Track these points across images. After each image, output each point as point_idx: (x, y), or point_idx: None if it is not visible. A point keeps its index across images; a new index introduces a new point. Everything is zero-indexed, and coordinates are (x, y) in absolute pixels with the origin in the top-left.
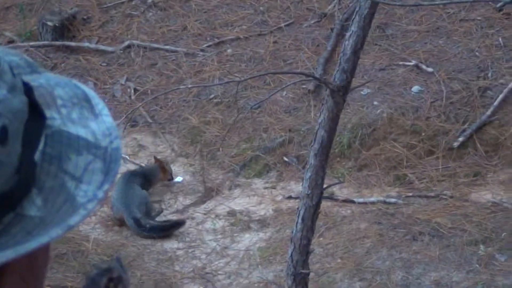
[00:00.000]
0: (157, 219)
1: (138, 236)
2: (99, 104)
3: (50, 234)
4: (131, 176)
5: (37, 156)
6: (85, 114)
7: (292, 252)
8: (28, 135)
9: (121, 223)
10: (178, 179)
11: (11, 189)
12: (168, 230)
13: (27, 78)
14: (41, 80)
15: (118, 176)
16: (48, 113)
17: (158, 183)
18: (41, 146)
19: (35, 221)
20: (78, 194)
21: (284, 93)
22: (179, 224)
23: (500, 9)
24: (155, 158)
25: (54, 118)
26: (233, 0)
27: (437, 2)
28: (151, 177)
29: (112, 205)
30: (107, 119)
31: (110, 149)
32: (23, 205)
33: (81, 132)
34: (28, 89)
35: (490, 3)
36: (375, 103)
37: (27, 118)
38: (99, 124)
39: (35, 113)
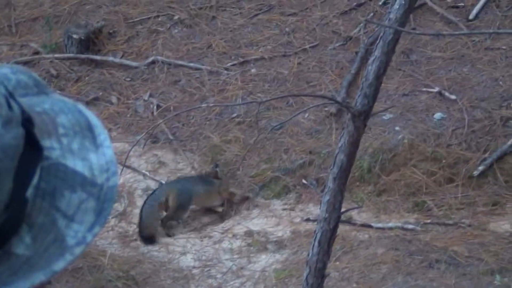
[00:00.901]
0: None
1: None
2: (102, 135)
3: (33, 280)
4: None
5: (30, 191)
6: (86, 144)
7: (307, 275)
8: (21, 170)
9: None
10: None
11: (0, 226)
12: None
13: (33, 101)
14: (45, 105)
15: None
16: (48, 142)
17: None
18: (35, 180)
19: (22, 260)
20: (69, 234)
21: (306, 115)
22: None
23: None
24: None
25: (54, 148)
26: (259, 20)
27: (456, 33)
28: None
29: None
30: (108, 151)
31: (106, 187)
32: (11, 243)
33: (79, 166)
34: (27, 119)
35: None
36: (397, 128)
37: (22, 151)
38: (99, 156)
39: (32, 145)
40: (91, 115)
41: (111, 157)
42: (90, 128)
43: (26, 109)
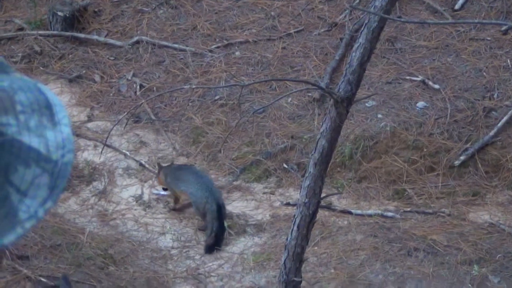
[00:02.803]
0: None
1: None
2: (60, 113)
3: None
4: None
5: None
6: (44, 122)
7: (285, 259)
8: None
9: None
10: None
11: None
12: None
13: None
14: (4, 82)
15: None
16: (4, 119)
17: None
18: None
19: None
20: (21, 209)
21: (289, 99)
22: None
23: (504, 33)
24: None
25: (10, 124)
26: (245, 3)
27: (441, 22)
28: None
29: (193, 194)
30: (65, 129)
31: (61, 163)
32: None
33: (34, 142)
34: None
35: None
36: (379, 116)
37: None
38: (56, 133)
39: None
40: (51, 94)
41: (68, 135)
42: (48, 106)
43: None
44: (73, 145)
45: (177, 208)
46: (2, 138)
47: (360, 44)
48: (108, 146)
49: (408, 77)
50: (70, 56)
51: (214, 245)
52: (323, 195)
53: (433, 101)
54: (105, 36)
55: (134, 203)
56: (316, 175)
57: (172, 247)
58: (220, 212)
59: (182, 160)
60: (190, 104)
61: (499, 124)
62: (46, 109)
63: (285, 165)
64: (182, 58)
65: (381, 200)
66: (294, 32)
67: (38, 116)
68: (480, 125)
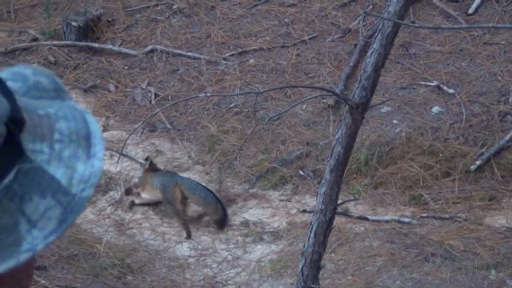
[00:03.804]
0: None
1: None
2: (98, 145)
3: None
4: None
5: None
6: (79, 153)
7: (303, 267)
8: None
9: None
10: None
11: None
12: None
13: (41, 104)
14: (51, 109)
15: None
16: (38, 146)
17: None
18: (7, 180)
19: None
20: (26, 239)
21: (304, 106)
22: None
23: None
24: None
25: (43, 152)
26: (258, 11)
27: (455, 27)
28: None
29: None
30: (97, 163)
31: (78, 198)
32: None
33: (59, 173)
34: (14, 120)
35: None
36: (395, 121)
37: None
38: (86, 166)
39: (12, 146)
40: (95, 126)
41: (97, 169)
42: (88, 137)
43: (21, 110)
44: (98, 180)
45: (136, 204)
46: (29, 165)
47: (374, 49)
48: (124, 155)
49: (422, 82)
50: (85, 66)
51: (224, 219)
52: (339, 201)
53: (448, 106)
54: (119, 45)
55: (151, 212)
56: (332, 182)
57: (189, 256)
58: (211, 191)
59: (198, 169)
60: (205, 112)
61: None
62: (85, 140)
63: (301, 172)
64: (196, 67)
65: (397, 206)
66: (308, 38)
67: (75, 147)
68: (495, 129)
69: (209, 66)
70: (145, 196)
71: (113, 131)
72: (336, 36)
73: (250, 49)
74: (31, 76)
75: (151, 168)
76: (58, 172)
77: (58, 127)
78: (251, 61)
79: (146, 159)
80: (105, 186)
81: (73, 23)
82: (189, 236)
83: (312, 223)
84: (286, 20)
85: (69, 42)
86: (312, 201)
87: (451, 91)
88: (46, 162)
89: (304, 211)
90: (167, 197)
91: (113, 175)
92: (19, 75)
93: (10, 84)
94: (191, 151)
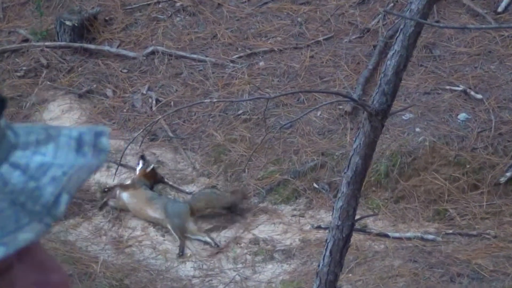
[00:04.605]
0: None
1: None
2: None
3: None
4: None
5: None
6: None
7: None
8: None
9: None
10: None
11: None
12: None
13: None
14: (49, 155)
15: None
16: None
17: None
18: None
19: None
20: None
21: (319, 113)
22: None
23: None
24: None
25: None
26: (269, 9)
27: (483, 26)
28: None
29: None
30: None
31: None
32: None
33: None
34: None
35: None
36: (417, 129)
37: None
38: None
39: None
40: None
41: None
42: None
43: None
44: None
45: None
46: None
47: (395, 51)
48: (123, 165)
49: (448, 87)
50: (80, 69)
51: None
52: (357, 217)
53: (476, 113)
54: (117, 47)
55: (152, 228)
56: (350, 195)
57: (194, 276)
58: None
59: (203, 181)
60: (210, 119)
61: None
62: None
63: (315, 185)
64: (201, 70)
65: (420, 221)
66: (323, 39)
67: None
68: None
69: (215, 69)
70: (133, 207)
71: (110, 140)
72: (353, 37)
73: (260, 51)
74: (76, 132)
75: (153, 176)
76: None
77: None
78: (261, 63)
79: (142, 158)
80: (102, 200)
81: (67, 23)
82: (182, 254)
83: (328, 241)
84: (299, 19)
85: (63, 43)
86: (327, 217)
87: (478, 96)
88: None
89: (319, 227)
90: (178, 219)
91: (111, 188)
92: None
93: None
94: (196, 162)
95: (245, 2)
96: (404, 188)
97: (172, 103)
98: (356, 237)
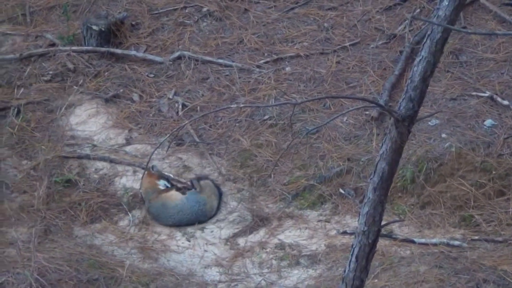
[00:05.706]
0: None
1: None
2: None
3: None
4: None
5: None
6: None
7: None
8: None
9: None
10: None
11: None
12: None
13: None
14: None
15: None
16: None
17: None
18: None
19: None
20: None
21: (345, 118)
22: None
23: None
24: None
25: None
26: (295, 14)
27: (511, 33)
28: None
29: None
30: None
31: None
32: None
33: None
34: None
35: None
36: (444, 135)
37: None
38: None
39: None
40: None
41: None
42: None
43: None
44: None
45: None
46: None
47: (422, 57)
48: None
49: (474, 93)
50: (106, 73)
51: None
52: (383, 222)
53: (502, 119)
54: (144, 52)
55: (178, 232)
56: (376, 201)
57: (220, 281)
58: None
59: (229, 186)
60: (237, 124)
61: None
62: None
63: (341, 190)
64: (227, 75)
65: (446, 227)
66: (349, 45)
67: None
68: None
69: (242, 74)
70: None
71: (136, 144)
72: (380, 42)
73: (286, 56)
74: None
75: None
76: None
77: None
78: (287, 69)
79: (152, 168)
80: (128, 204)
81: (94, 27)
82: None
83: (354, 246)
84: (326, 24)
85: (90, 48)
86: (353, 222)
87: (505, 102)
88: None
89: (345, 232)
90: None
91: (137, 193)
92: None
93: None
94: (222, 167)
95: (272, 7)
96: (430, 194)
97: (198, 108)
98: (382, 243)
